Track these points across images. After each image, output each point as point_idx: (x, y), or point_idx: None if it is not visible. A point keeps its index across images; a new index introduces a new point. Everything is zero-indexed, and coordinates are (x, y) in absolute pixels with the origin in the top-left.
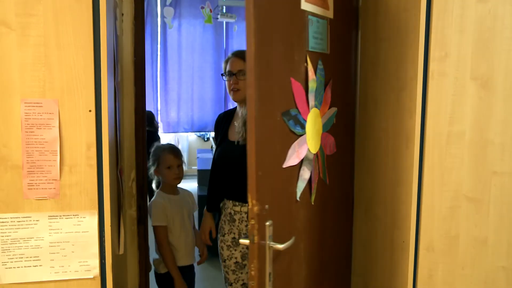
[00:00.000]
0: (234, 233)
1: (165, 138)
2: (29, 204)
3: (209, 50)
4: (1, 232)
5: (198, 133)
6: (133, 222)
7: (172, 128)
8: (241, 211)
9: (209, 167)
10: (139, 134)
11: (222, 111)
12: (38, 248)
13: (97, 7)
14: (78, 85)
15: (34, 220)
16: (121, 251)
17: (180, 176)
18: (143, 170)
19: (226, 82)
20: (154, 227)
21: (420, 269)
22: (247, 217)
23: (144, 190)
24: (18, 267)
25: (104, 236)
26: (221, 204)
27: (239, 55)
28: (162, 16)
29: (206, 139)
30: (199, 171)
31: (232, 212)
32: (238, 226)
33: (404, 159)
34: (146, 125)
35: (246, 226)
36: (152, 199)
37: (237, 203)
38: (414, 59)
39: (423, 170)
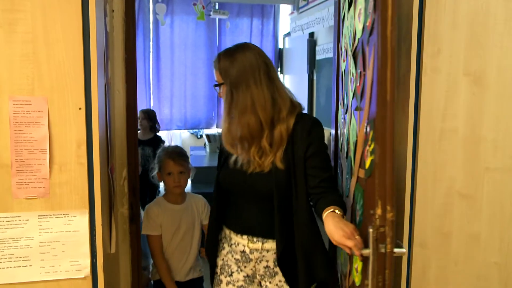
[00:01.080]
0: (246, 272)
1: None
2: (18, 203)
3: (201, 47)
4: None
5: (191, 131)
6: (125, 221)
7: (165, 126)
8: (262, 249)
9: (202, 164)
10: (131, 131)
11: (215, 108)
12: (28, 248)
13: (87, 3)
14: (68, 82)
15: (23, 220)
16: (113, 250)
17: (180, 185)
18: (134, 168)
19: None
20: (147, 236)
21: (414, 265)
22: (260, 255)
23: (136, 188)
24: (7, 268)
25: (95, 235)
26: (221, 235)
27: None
28: (154, 13)
29: (199, 137)
30: (192, 168)
31: (248, 250)
32: (254, 266)
33: (396, 155)
34: (151, 125)
35: (266, 267)
36: (148, 205)
37: (255, 239)
38: (407, 55)
39: (416, 166)
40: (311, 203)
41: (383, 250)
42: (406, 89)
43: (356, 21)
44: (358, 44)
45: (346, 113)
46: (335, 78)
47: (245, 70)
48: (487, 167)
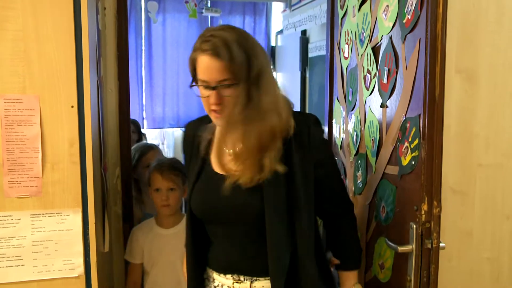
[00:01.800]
0: None
1: (150, 134)
2: (10, 202)
3: None
4: None
5: (184, 129)
6: (119, 219)
7: (158, 124)
8: None
9: None
10: (124, 130)
11: None
12: (20, 247)
13: (78, 1)
14: (60, 80)
15: (15, 219)
16: (106, 249)
17: (169, 204)
18: (128, 167)
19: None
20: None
21: None
22: None
23: (129, 187)
24: None
25: (88, 234)
26: (204, 275)
27: (216, 52)
28: (146, 11)
29: None
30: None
31: None
32: None
33: None
34: (137, 139)
35: None
36: (135, 228)
37: (242, 278)
38: None
39: None
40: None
41: (429, 246)
42: None
43: (381, 18)
44: (381, 40)
45: (352, 110)
46: (328, 75)
47: (267, 60)
48: (479, 164)
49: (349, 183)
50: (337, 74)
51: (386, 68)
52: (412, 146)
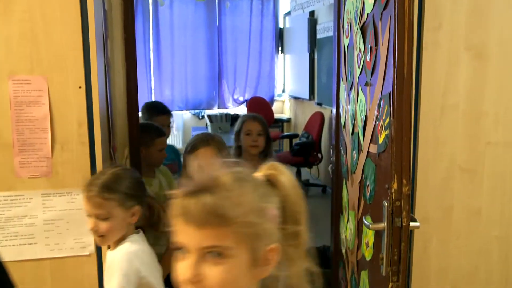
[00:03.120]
0: None
1: None
2: (21, 182)
3: (201, 28)
4: None
5: (192, 112)
6: None
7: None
8: None
9: None
10: (132, 110)
11: (216, 89)
12: (32, 226)
13: None
14: (67, 61)
15: (27, 199)
16: None
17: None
18: (136, 147)
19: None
20: None
21: (415, 240)
22: None
23: (138, 168)
24: (13, 245)
25: None
26: None
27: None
28: None
29: (200, 117)
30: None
31: None
32: None
33: None
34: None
35: None
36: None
37: None
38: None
39: (418, 143)
40: None
41: (398, 224)
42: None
43: None
44: (367, 18)
45: (350, 89)
46: (336, 55)
47: None
48: (488, 142)
49: (349, 162)
50: (342, 54)
51: (369, 46)
52: (385, 124)
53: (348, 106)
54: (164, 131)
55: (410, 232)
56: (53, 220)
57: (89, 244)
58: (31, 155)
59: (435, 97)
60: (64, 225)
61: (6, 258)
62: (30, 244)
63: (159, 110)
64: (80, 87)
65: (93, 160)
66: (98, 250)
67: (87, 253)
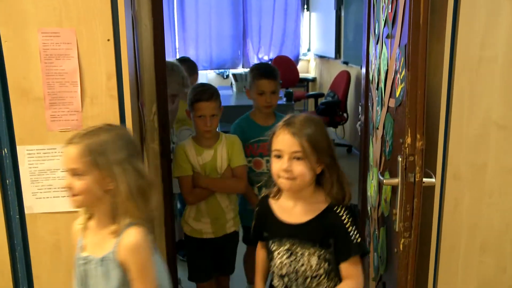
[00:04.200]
0: None
1: None
2: (53, 136)
3: None
4: (29, 163)
5: (217, 71)
6: (156, 156)
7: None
8: None
9: (229, 103)
10: (159, 66)
11: (241, 48)
12: (64, 179)
13: None
14: (95, 13)
15: (59, 152)
16: None
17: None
18: (164, 104)
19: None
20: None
21: (446, 197)
22: None
23: (166, 124)
24: (47, 198)
25: None
26: None
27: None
28: None
29: (225, 77)
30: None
31: None
32: None
33: (431, 86)
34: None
35: None
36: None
37: None
38: None
39: (452, 96)
40: None
41: (411, 180)
42: (442, 16)
43: None
44: None
45: (377, 43)
46: (367, 9)
47: None
48: None
49: (374, 118)
50: (372, 6)
51: None
52: (401, 77)
53: (375, 61)
54: (202, 97)
55: (441, 189)
56: None
57: None
58: (62, 109)
59: (471, 50)
60: None
61: (41, 210)
62: (63, 196)
63: (193, 70)
64: (108, 40)
65: (122, 114)
66: None
67: None
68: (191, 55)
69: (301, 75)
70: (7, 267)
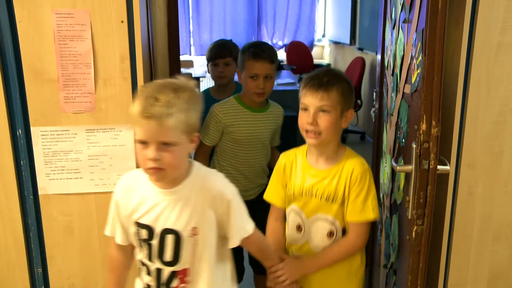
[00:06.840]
0: None
1: (197, 60)
2: (66, 117)
3: None
4: (42, 144)
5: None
6: None
7: (205, 51)
8: None
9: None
10: (173, 49)
11: (255, 33)
12: (77, 161)
13: None
14: None
15: (72, 134)
16: None
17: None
18: None
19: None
20: None
21: (460, 185)
22: None
23: None
24: (60, 179)
25: None
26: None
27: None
28: None
29: None
30: None
31: None
32: None
33: (448, 72)
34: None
35: None
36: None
37: None
38: None
39: (469, 83)
40: None
41: (426, 167)
42: (461, 1)
43: None
44: None
45: (393, 28)
46: None
47: None
48: None
49: (388, 104)
50: None
51: None
52: (417, 63)
53: (391, 47)
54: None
55: (455, 177)
56: (97, 155)
57: None
58: (75, 91)
59: (491, 35)
60: (108, 161)
61: (54, 191)
62: (76, 178)
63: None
64: (122, 22)
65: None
66: None
67: None
68: (205, 39)
69: (316, 61)
70: (22, 248)
